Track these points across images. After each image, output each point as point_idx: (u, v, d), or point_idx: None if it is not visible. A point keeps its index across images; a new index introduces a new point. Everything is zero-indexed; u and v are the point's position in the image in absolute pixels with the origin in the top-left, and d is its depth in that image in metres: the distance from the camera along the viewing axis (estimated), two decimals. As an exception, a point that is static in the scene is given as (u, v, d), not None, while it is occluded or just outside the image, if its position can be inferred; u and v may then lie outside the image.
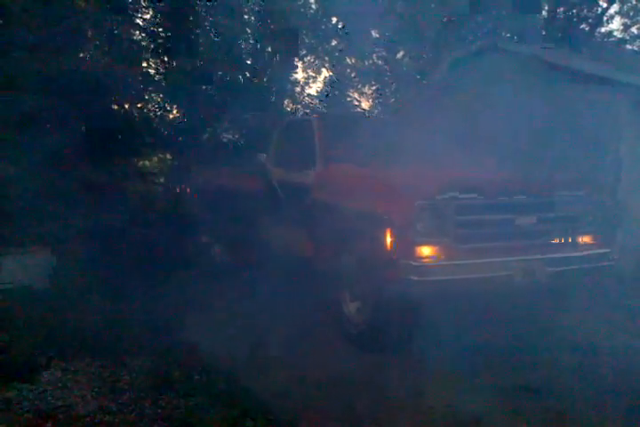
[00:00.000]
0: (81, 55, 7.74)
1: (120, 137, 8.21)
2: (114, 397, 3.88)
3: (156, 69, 13.00)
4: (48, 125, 6.56)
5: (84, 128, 7.28)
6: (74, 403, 3.78)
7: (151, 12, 11.89)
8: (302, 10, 11.82)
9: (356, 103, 18.62)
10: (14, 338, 4.42)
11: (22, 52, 6.33)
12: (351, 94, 19.12)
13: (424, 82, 9.73)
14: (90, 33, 7.84)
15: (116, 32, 10.71)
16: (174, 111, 13.18)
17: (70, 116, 6.68)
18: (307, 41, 16.81)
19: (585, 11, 16.32)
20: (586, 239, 5.01)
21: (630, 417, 3.76)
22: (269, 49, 12.46)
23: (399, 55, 16.11)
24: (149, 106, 11.98)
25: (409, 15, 7.14)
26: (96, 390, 3.99)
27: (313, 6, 12.74)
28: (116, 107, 8.80)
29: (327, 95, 16.53)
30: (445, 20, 9.10)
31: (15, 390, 3.94)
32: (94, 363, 4.43)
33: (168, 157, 13.88)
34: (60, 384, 4.06)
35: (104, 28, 8.40)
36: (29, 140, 6.32)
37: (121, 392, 3.96)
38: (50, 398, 3.86)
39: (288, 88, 14.02)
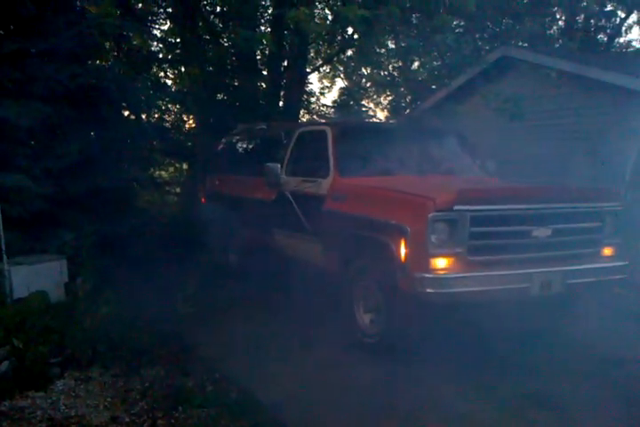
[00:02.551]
0: (90, 62, 7.78)
1: (131, 144, 8.26)
2: (126, 407, 3.88)
3: (170, 77, 13.16)
4: (59, 132, 6.59)
5: (94, 135, 7.32)
6: (86, 413, 3.79)
7: (168, 23, 12.06)
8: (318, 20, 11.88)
9: (372, 113, 18.68)
10: (29, 347, 4.43)
11: (34, 59, 6.38)
12: (366, 104, 19.18)
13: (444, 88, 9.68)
14: (101, 40, 7.89)
15: (134, 42, 10.88)
16: (190, 120, 13.32)
17: (80, 122, 6.71)
18: (322, 51, 16.90)
19: (603, 21, 16.23)
20: (604, 252, 4.95)
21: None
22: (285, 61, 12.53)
23: (415, 66, 16.14)
24: (162, 114, 12.10)
25: (423, 26, 7.14)
26: (109, 399, 4.00)
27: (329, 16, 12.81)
28: (127, 113, 8.86)
29: (342, 105, 16.58)
30: (459, 30, 9.11)
31: (29, 399, 3.96)
32: (107, 372, 4.44)
33: (184, 166, 14.01)
34: (72, 394, 4.07)
35: (116, 36, 8.47)
36: (41, 148, 6.38)
37: (134, 402, 3.95)
38: (63, 407, 3.87)
39: (303, 98, 14.08)
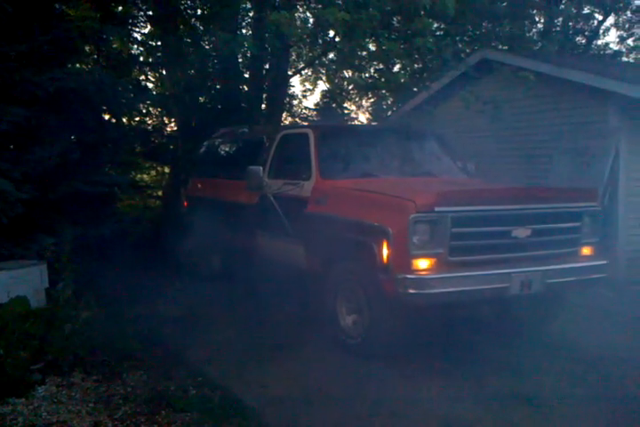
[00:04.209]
0: (70, 65, 7.72)
1: (112, 148, 8.21)
2: (109, 412, 3.84)
3: (150, 80, 13.11)
4: (38, 136, 6.53)
5: (74, 138, 7.26)
6: (69, 419, 3.74)
7: (149, 27, 12.02)
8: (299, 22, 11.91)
9: (354, 115, 18.74)
10: (9, 353, 4.38)
11: (12, 63, 6.31)
12: (348, 107, 19.24)
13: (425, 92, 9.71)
14: (81, 43, 7.84)
15: (114, 45, 10.83)
16: (172, 124, 13.28)
17: (61, 126, 6.66)
18: (304, 54, 16.93)
19: (581, 23, 16.47)
20: (583, 251, 5.01)
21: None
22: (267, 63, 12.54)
23: (396, 68, 16.20)
24: (143, 117, 12.04)
25: (404, 29, 7.18)
26: (91, 405, 3.95)
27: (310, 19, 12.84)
28: (107, 117, 8.81)
29: (324, 108, 16.62)
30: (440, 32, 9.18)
31: (10, 406, 3.91)
32: (89, 377, 4.39)
33: (166, 170, 13.95)
34: (54, 400, 4.02)
35: (96, 39, 8.43)
36: (20, 152, 6.32)
37: (116, 407, 3.91)
38: (44, 413, 3.82)
39: (285, 100, 14.11)
